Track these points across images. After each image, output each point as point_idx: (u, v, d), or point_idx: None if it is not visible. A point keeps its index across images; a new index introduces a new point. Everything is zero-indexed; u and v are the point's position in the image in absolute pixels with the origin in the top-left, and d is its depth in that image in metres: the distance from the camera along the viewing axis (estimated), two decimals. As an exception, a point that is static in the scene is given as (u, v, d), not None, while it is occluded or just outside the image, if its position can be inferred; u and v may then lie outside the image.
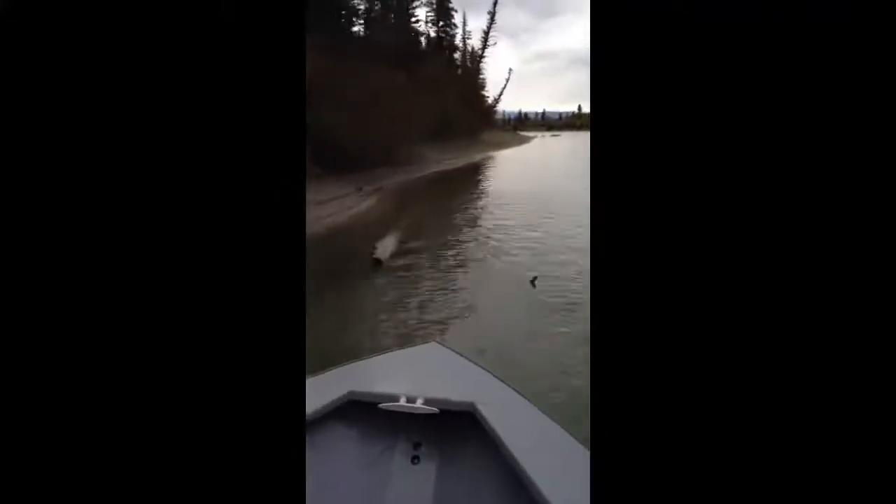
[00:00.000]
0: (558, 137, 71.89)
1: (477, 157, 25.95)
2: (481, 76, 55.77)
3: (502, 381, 1.48)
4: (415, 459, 1.31)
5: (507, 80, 57.39)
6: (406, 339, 4.11)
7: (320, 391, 1.34)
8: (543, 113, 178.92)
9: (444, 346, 1.72)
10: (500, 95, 55.20)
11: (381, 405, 1.30)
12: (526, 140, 48.04)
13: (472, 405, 1.28)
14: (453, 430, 1.33)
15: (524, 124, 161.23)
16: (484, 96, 54.88)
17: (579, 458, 1.12)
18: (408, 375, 1.46)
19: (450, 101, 26.61)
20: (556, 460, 1.14)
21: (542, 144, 45.15)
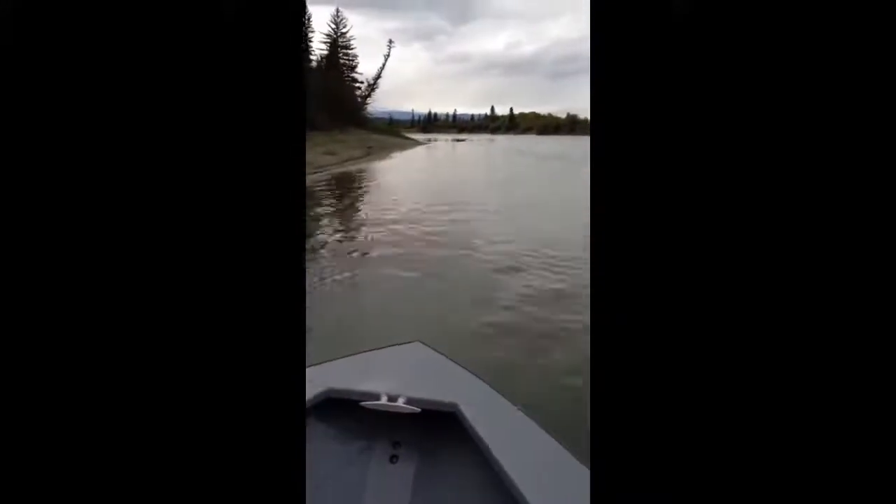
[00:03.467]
0: (462, 143, 54.80)
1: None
2: (348, 56, 41.79)
3: (486, 382, 1.35)
4: (393, 458, 1.29)
5: (387, 56, 42.93)
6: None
7: None
8: (454, 114, 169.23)
9: (427, 346, 1.54)
10: (375, 82, 41.38)
11: (361, 403, 1.23)
12: (383, 153, 24.06)
13: (454, 406, 1.21)
14: (434, 430, 1.27)
15: (434, 125, 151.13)
16: (354, 85, 41.36)
17: (563, 462, 1.08)
18: (389, 374, 1.34)
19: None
20: (539, 464, 1.07)
21: (414, 158, 23.63)
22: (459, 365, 1.41)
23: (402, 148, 31.49)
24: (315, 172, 13.41)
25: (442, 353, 1.47)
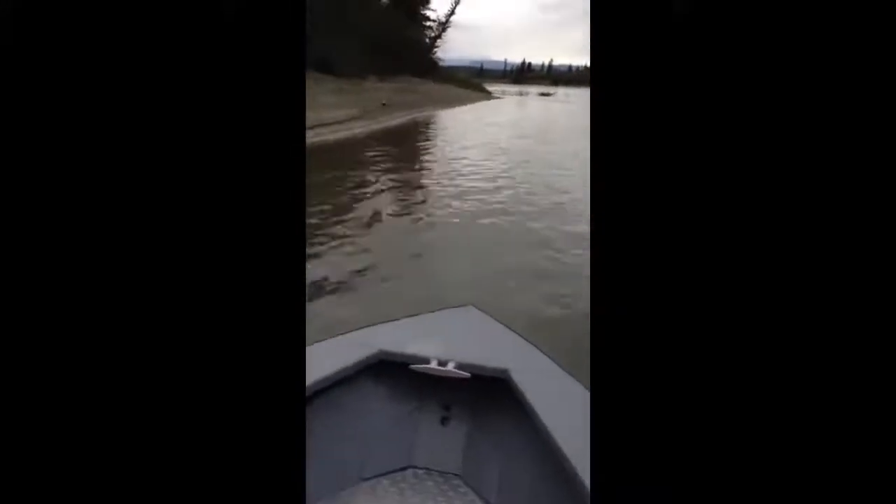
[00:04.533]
0: (548, 98, 47.53)
1: None
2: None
3: (537, 348, 1.35)
4: (444, 420, 1.29)
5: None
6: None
7: (351, 349, 1.27)
8: (550, 65, 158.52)
9: (479, 309, 1.54)
10: (447, 20, 36.20)
11: (411, 366, 1.23)
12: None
13: (505, 371, 1.21)
14: (485, 395, 1.28)
15: (527, 77, 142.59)
16: (423, 25, 37.24)
17: None
18: (441, 338, 1.34)
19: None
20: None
21: (473, 118, 17.62)
22: (511, 330, 1.41)
23: (449, 105, 23.15)
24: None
25: (493, 317, 1.48)
